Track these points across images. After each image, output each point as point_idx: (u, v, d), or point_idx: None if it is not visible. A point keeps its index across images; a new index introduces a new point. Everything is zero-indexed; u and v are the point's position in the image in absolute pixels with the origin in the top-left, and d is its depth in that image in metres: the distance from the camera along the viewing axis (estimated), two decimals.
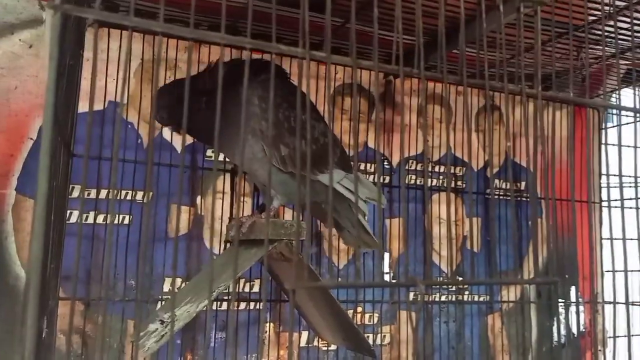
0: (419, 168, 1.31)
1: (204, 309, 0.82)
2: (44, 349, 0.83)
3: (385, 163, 1.27)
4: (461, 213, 1.33)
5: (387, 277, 1.24)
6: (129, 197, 1.04)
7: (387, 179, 1.27)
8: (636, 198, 0.79)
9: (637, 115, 0.62)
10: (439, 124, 1.33)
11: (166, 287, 1.06)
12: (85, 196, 1.01)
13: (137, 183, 1.04)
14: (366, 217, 1.01)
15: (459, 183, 1.35)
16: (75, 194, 1.00)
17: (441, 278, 1.29)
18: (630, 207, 1.40)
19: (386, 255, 1.25)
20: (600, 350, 1.46)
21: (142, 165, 1.05)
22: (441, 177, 1.33)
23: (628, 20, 1.00)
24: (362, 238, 1.00)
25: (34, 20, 0.97)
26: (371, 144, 1.25)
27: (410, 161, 1.30)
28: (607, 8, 0.92)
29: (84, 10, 0.37)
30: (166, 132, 1.08)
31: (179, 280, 1.06)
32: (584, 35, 1.06)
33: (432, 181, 1.32)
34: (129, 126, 1.06)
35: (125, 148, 1.04)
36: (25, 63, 0.98)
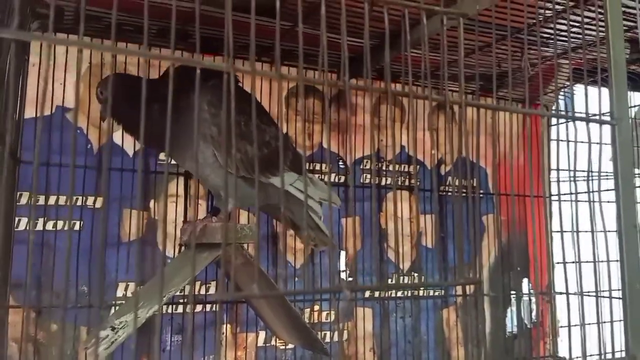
0: (372, 167, 1.33)
1: (156, 313, 0.83)
2: None
3: (340, 163, 1.29)
4: (416, 210, 1.36)
5: (343, 275, 1.26)
6: (79, 203, 1.03)
7: (342, 178, 1.29)
8: (575, 193, 0.82)
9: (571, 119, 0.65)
10: (392, 123, 1.36)
11: (120, 293, 1.06)
12: (34, 203, 0.99)
13: (88, 188, 1.03)
14: (321, 217, 1.02)
15: (413, 181, 1.37)
16: (23, 200, 0.99)
17: (395, 275, 1.32)
18: (576, 200, 1.45)
19: (342, 254, 1.27)
20: (552, 339, 1.52)
21: (91, 171, 1.04)
22: (395, 175, 1.35)
23: (566, 22, 1.04)
24: (317, 237, 1.02)
25: None
26: (326, 145, 1.27)
27: (365, 160, 1.32)
28: (543, 12, 0.95)
29: (39, 37, 0.38)
30: (117, 137, 1.07)
31: (132, 285, 1.06)
32: (526, 37, 1.10)
33: (386, 180, 1.34)
34: (78, 131, 1.05)
35: (75, 154, 1.03)
36: None
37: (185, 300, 1.08)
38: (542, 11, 0.98)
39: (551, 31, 1.14)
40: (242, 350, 1.14)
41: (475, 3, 0.87)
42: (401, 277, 1.33)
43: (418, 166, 1.37)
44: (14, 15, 0.54)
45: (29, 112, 0.99)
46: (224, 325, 1.14)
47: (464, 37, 0.58)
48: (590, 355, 0.63)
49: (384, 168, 1.34)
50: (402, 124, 1.37)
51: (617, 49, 0.60)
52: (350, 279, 1.27)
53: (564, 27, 1.09)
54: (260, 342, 1.16)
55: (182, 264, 0.92)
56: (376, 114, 1.34)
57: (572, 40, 1.17)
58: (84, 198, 1.03)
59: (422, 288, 1.35)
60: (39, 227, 1.00)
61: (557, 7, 0.98)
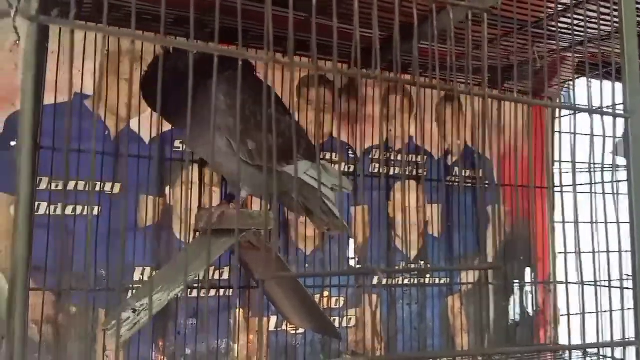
0: (381, 157, 1.35)
1: (177, 296, 0.85)
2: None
3: (350, 152, 1.31)
4: (423, 200, 1.38)
5: (352, 263, 1.29)
6: (97, 189, 1.05)
7: (352, 167, 1.31)
8: (574, 184, 0.85)
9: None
10: (401, 114, 1.38)
11: (136, 277, 1.09)
12: (54, 188, 1.02)
13: (105, 175, 1.05)
14: (334, 203, 1.05)
15: (421, 171, 1.40)
16: (43, 186, 1.01)
17: (403, 263, 1.35)
18: (580, 192, 1.48)
19: (351, 242, 1.29)
20: (553, 327, 1.55)
21: (109, 157, 1.06)
22: (403, 165, 1.38)
23: (579, 16, 1.07)
24: (331, 222, 1.04)
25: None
26: (336, 134, 1.29)
27: (374, 150, 1.35)
28: (554, 6, 0.98)
29: (60, 22, 0.40)
30: (134, 124, 1.09)
31: (148, 269, 1.09)
32: (538, 31, 1.12)
33: (394, 169, 1.37)
34: (96, 118, 1.07)
35: (92, 140, 1.05)
36: None
37: (200, 284, 1.11)
38: (552, 5, 1.00)
39: (559, 25, 1.16)
40: (254, 334, 1.17)
41: None
42: (408, 266, 1.36)
43: (425, 156, 1.40)
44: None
45: (48, 99, 1.00)
46: (237, 310, 1.16)
47: (472, 29, 0.61)
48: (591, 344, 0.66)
49: (392, 158, 1.36)
50: (411, 114, 1.39)
51: (631, 44, 0.63)
52: (359, 266, 1.30)
53: (568, 21, 1.11)
54: (272, 327, 1.19)
55: (200, 249, 0.95)
56: (385, 105, 1.36)
57: (579, 34, 1.19)
58: (102, 184, 1.05)
59: (428, 275, 1.38)
60: (58, 211, 1.02)
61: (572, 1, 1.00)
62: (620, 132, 0.70)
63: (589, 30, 1.18)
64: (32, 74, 0.39)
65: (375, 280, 1.31)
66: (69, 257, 1.02)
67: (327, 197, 1.03)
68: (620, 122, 0.66)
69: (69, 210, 1.03)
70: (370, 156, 1.34)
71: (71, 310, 1.03)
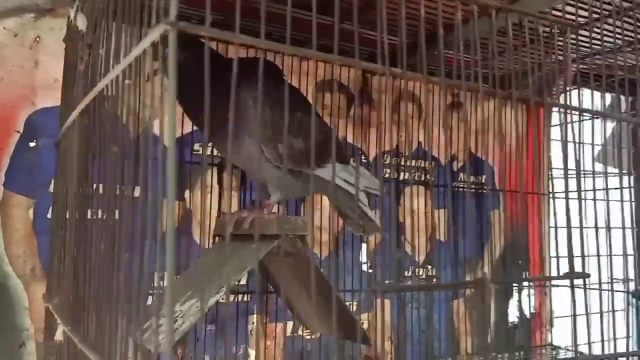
0: (393, 162, 1.36)
1: (220, 301, 0.83)
2: None
3: (362, 157, 1.32)
4: (430, 205, 1.40)
5: (364, 267, 1.30)
6: (117, 192, 1.02)
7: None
8: (565, 191, 0.88)
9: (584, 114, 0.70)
10: (411, 120, 1.39)
11: (156, 283, 1.06)
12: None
13: (128, 177, 1.02)
14: (366, 205, 1.05)
15: (428, 177, 1.42)
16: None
17: (412, 267, 1.37)
18: (573, 198, 1.54)
19: (363, 246, 1.30)
20: (547, 329, 1.60)
21: (130, 159, 1.03)
22: (413, 170, 1.39)
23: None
24: (365, 224, 1.05)
25: (19, 8, 0.93)
26: (350, 139, 1.30)
27: (385, 155, 1.36)
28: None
29: (197, 28, 0.38)
30: (155, 126, 1.07)
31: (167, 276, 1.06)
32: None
33: (405, 175, 1.38)
34: (117, 119, 1.04)
35: (115, 141, 1.02)
36: (10, 53, 0.93)
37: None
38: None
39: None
40: (271, 340, 1.16)
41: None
42: (416, 270, 1.37)
43: (433, 162, 1.42)
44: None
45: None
46: (254, 315, 1.15)
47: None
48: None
49: (402, 163, 1.38)
50: (420, 121, 1.41)
51: None
52: (370, 271, 1.31)
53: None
54: (288, 332, 1.18)
55: (230, 255, 0.93)
56: (396, 111, 1.37)
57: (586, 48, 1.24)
58: (122, 187, 1.02)
59: (434, 280, 1.40)
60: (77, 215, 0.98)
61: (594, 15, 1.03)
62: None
63: (597, 43, 1.22)
64: (174, 83, 0.37)
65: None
66: (88, 264, 0.98)
67: (360, 200, 1.03)
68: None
69: (89, 215, 0.99)
70: (383, 161, 1.35)
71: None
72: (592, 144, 0.74)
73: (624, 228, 1.81)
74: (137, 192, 0.96)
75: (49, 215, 0.97)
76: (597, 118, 0.72)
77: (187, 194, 1.10)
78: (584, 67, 1.34)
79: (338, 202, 1.01)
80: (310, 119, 0.98)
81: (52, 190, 0.98)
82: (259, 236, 0.91)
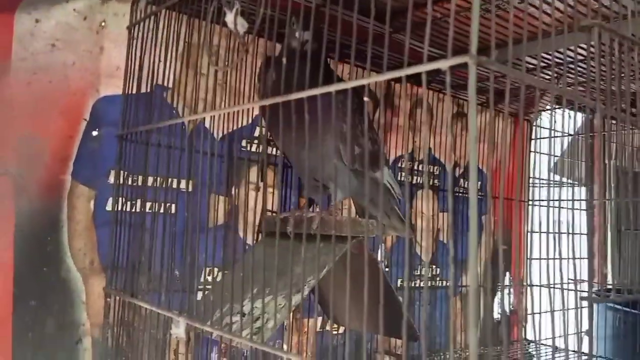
0: (407, 167, 1.43)
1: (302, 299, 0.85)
2: None
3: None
4: (437, 208, 1.49)
5: (382, 266, 1.35)
6: (174, 185, 1.01)
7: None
8: (539, 199, 1.00)
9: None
10: (424, 127, 1.47)
11: (204, 277, 1.06)
12: (131, 183, 0.96)
13: (182, 171, 1.01)
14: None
15: (437, 181, 1.50)
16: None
17: (419, 266, 1.45)
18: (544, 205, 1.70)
19: (381, 246, 1.36)
20: (523, 325, 1.75)
21: (185, 153, 1.02)
22: (424, 175, 1.47)
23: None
24: (392, 224, 1.10)
25: None
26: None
27: (402, 159, 1.42)
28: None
29: (490, 62, 0.42)
30: (207, 120, 1.06)
31: (215, 270, 1.06)
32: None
33: (416, 179, 1.45)
34: (174, 112, 1.02)
35: (172, 134, 1.01)
36: (81, 37, 0.89)
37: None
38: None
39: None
40: (303, 335, 1.19)
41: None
42: (423, 269, 1.45)
43: (439, 167, 1.51)
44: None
45: (130, 88, 0.94)
46: None
47: None
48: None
49: (415, 168, 1.45)
50: (431, 127, 1.49)
51: None
52: (387, 269, 1.37)
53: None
54: (318, 327, 1.22)
55: (298, 254, 0.95)
56: (412, 117, 1.44)
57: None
58: (179, 181, 1.01)
59: (438, 279, 1.49)
60: (137, 208, 0.96)
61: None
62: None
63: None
64: (474, 113, 0.41)
65: (398, 283, 1.39)
66: (146, 257, 0.96)
67: (394, 199, 1.09)
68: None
69: (147, 207, 0.97)
70: (398, 165, 1.42)
71: (145, 311, 0.97)
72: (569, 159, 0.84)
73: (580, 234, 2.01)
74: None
75: (108, 207, 0.94)
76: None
77: (233, 190, 1.10)
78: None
79: (376, 203, 1.06)
80: (372, 125, 1.03)
81: (111, 181, 0.95)
82: (321, 237, 0.94)
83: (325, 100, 0.88)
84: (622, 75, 0.57)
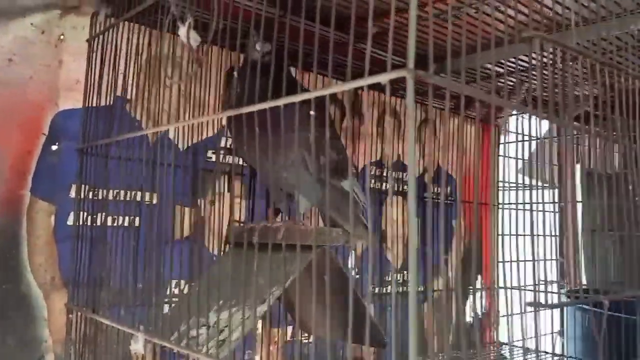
0: (376, 173, 1.44)
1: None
2: None
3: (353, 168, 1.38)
4: (407, 214, 1.50)
5: (352, 273, 1.36)
6: (137, 198, 1.00)
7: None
8: (507, 203, 1.02)
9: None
10: (392, 134, 1.48)
11: (170, 291, 1.05)
12: (93, 197, 0.95)
13: (144, 183, 1.00)
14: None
15: (406, 187, 1.52)
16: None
17: (391, 272, 1.46)
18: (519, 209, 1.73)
19: (352, 253, 1.36)
20: (495, 327, 1.77)
21: (148, 165, 1.01)
22: (393, 182, 1.48)
23: None
24: (359, 233, 1.11)
25: (48, 4, 0.88)
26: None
27: (371, 166, 1.43)
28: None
29: (428, 75, 0.43)
30: (171, 131, 1.06)
31: (182, 283, 1.06)
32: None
33: (386, 185, 1.46)
34: (136, 124, 1.02)
35: (133, 146, 1.00)
36: (39, 51, 0.88)
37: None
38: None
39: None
40: (273, 345, 1.18)
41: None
42: (394, 275, 1.46)
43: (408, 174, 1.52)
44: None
45: (90, 101, 0.94)
46: (259, 321, 1.17)
47: None
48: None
49: (384, 175, 1.46)
50: (399, 134, 1.50)
51: None
52: (357, 276, 1.37)
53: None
54: (288, 337, 1.22)
55: (264, 265, 0.95)
56: (380, 124, 1.46)
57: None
58: (141, 193, 1.00)
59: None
60: (98, 222, 0.95)
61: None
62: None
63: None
64: (414, 126, 0.42)
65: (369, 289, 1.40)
66: (107, 271, 0.96)
67: (360, 206, 1.10)
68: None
69: (109, 221, 0.96)
70: (368, 172, 1.43)
71: (107, 327, 0.96)
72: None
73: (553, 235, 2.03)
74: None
75: (69, 222, 0.93)
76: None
77: (199, 201, 1.10)
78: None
79: (341, 212, 1.06)
80: (337, 135, 1.04)
81: (72, 196, 0.94)
82: (287, 246, 0.94)
83: (289, 110, 0.88)
84: (566, 83, 0.58)
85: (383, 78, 0.43)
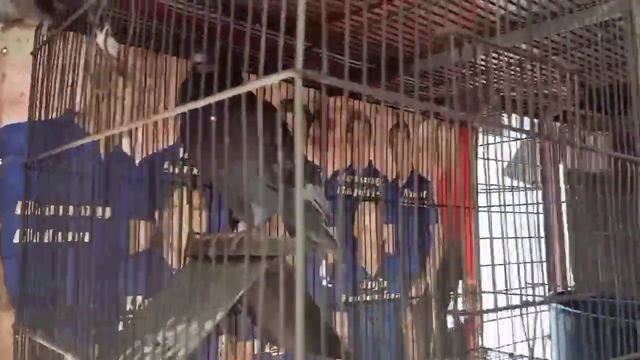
0: (347, 180, 1.42)
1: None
2: None
3: (321, 175, 1.36)
4: (380, 220, 1.47)
5: (324, 282, 1.33)
6: (88, 213, 0.97)
7: (323, 189, 1.35)
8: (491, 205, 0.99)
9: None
10: (362, 140, 1.46)
11: (128, 307, 1.02)
12: (41, 213, 0.92)
13: (96, 198, 0.98)
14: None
15: (378, 193, 1.49)
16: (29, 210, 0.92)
17: (365, 280, 1.43)
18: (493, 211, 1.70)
19: (323, 262, 1.34)
20: (478, 332, 1.74)
21: (99, 179, 0.99)
22: (365, 188, 1.45)
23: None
24: (323, 242, 1.08)
25: None
26: (309, 157, 1.33)
27: (342, 173, 1.40)
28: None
29: (319, 76, 0.40)
30: (125, 144, 1.03)
31: (139, 298, 1.03)
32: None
33: (358, 192, 1.44)
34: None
35: (84, 160, 0.98)
36: None
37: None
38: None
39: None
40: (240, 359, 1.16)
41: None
42: (369, 283, 1.43)
43: (381, 179, 1.49)
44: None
45: (37, 115, 0.92)
46: (222, 336, 1.14)
47: None
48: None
49: (355, 181, 1.44)
50: (370, 139, 1.47)
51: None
52: (330, 285, 1.35)
53: None
54: (256, 350, 1.19)
55: (218, 278, 0.93)
56: (349, 130, 1.43)
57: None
58: (93, 208, 0.98)
59: (386, 292, 1.47)
60: (46, 239, 0.93)
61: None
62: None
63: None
64: (301, 130, 0.39)
65: (343, 298, 1.37)
66: (58, 288, 0.93)
67: (323, 218, 1.07)
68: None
69: (59, 237, 0.94)
70: (337, 178, 1.40)
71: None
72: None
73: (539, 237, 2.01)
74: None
75: (15, 240, 0.91)
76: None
77: (157, 214, 1.07)
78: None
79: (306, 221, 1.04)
80: (290, 139, 1.01)
81: (18, 212, 0.91)
82: (236, 258, 0.91)
83: (238, 118, 0.86)
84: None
85: (273, 79, 0.41)
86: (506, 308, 0.78)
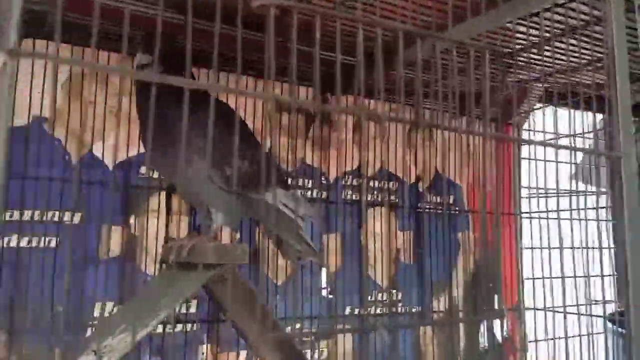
0: (355, 183, 1.33)
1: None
2: None
3: (322, 179, 1.28)
4: (395, 227, 1.36)
5: (324, 293, 1.25)
6: (55, 218, 0.98)
7: (325, 194, 1.28)
8: (536, 211, 0.84)
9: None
10: (374, 140, 1.36)
11: (97, 313, 1.01)
12: (8, 218, 0.94)
13: (65, 203, 0.98)
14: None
15: (392, 197, 1.38)
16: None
17: (375, 291, 1.32)
18: (544, 218, 1.51)
19: (323, 270, 1.26)
20: (520, 353, 1.55)
21: (69, 184, 0.99)
22: (375, 192, 1.35)
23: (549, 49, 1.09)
24: (303, 249, 1.01)
25: None
26: (309, 160, 1.26)
27: (347, 176, 1.32)
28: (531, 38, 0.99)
29: (40, 55, 0.35)
30: (97, 149, 1.03)
31: (110, 305, 1.02)
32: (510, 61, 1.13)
33: (367, 196, 1.34)
34: (56, 143, 1.00)
35: (52, 166, 0.98)
36: None
37: (165, 319, 1.04)
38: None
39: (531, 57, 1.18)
40: None
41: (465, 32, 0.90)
42: (380, 294, 1.33)
43: (397, 183, 1.38)
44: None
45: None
46: (204, 345, 1.10)
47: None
48: None
49: (364, 184, 1.34)
50: (382, 141, 1.37)
51: (623, 84, 0.62)
52: (330, 296, 1.26)
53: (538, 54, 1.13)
54: None
55: (168, 285, 0.89)
56: (358, 131, 1.34)
57: (548, 66, 1.21)
58: (61, 213, 0.98)
59: (400, 304, 1.35)
60: (13, 244, 0.94)
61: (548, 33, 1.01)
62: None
63: (558, 62, 1.20)
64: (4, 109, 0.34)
65: (348, 311, 1.28)
66: (23, 293, 0.94)
67: (299, 224, 1.00)
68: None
69: (23, 242, 0.95)
70: (343, 182, 1.31)
71: (24, 351, 0.94)
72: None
73: (601, 248, 1.77)
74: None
75: None
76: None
77: (132, 219, 1.06)
78: (547, 85, 1.31)
79: (278, 227, 0.97)
80: (256, 144, 0.95)
81: None
82: (202, 265, 0.87)
83: (192, 122, 0.82)
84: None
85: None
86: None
